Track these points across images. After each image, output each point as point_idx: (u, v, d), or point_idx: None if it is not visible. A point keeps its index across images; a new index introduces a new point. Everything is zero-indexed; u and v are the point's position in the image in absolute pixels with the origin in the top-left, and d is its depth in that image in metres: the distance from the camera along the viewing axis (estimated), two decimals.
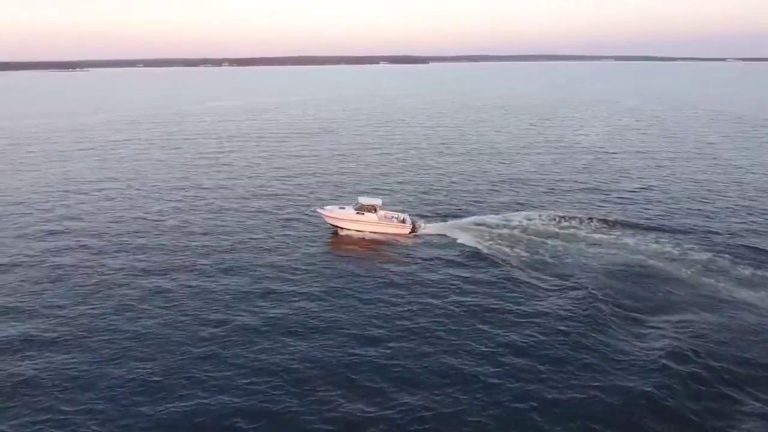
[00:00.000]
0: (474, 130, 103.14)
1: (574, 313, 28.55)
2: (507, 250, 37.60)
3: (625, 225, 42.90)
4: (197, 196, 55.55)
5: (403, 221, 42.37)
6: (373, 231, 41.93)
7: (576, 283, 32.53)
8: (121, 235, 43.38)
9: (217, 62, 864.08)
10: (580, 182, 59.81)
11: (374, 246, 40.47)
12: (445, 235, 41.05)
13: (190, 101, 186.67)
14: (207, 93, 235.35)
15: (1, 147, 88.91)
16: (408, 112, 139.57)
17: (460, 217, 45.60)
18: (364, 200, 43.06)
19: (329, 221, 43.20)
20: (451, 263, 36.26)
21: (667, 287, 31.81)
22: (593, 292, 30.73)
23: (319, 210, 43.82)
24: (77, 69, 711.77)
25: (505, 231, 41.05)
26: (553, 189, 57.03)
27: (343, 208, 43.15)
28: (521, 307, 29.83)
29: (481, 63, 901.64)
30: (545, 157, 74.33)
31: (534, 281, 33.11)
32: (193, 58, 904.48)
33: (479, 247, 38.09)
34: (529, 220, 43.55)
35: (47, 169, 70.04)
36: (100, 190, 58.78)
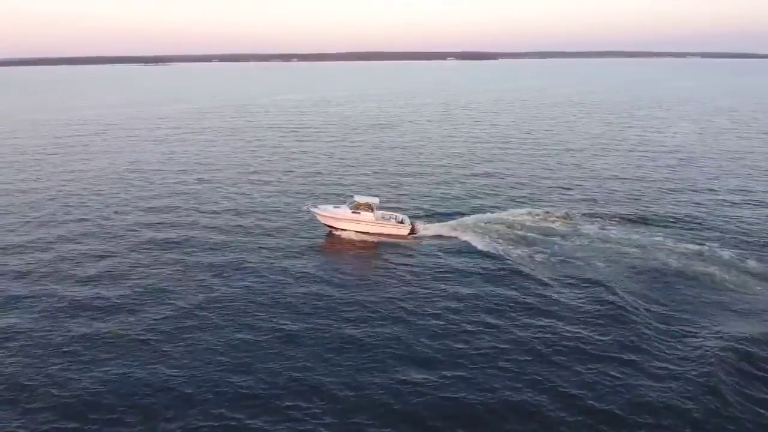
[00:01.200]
0: (545, 128, 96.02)
1: (601, 319, 26.60)
2: (519, 251, 35.25)
3: (649, 222, 41.21)
4: (253, 185, 55.40)
5: (402, 222, 40.00)
6: (370, 232, 39.57)
7: (603, 285, 30.19)
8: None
9: (287, 57, 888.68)
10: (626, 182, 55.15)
11: (370, 248, 38.17)
12: (453, 237, 38.39)
13: (259, 94, 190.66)
14: (276, 86, 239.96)
15: (91, 132, 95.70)
16: (475, 109, 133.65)
17: (467, 215, 43.19)
18: (360, 199, 40.49)
19: (323, 221, 40.72)
20: (455, 269, 33.37)
21: (703, 289, 29.85)
22: (620, 294, 28.87)
23: (312, 209, 41.11)
24: (160, 63, 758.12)
25: (516, 231, 38.86)
26: (611, 191, 52.13)
27: (338, 207, 40.75)
28: (543, 312, 27.71)
29: (553, 59, 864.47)
30: (625, 160, 67.09)
31: (555, 284, 30.72)
32: (264, 54, 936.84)
33: (487, 248, 35.82)
34: (538, 216, 41.77)
35: (126, 154, 73.15)
36: (162, 176, 60.40)
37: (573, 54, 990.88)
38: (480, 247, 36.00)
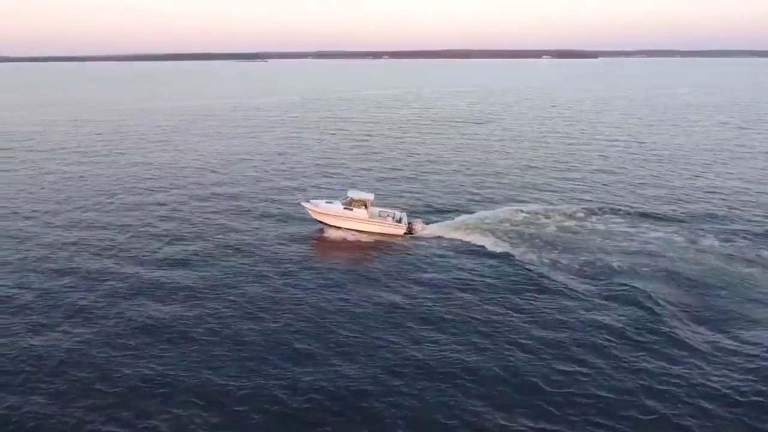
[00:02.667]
0: (663, 133, 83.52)
1: (633, 327, 24.38)
2: (533, 255, 32.55)
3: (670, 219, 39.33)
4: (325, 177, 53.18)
5: (399, 220, 37.40)
6: (363, 230, 37.13)
7: (627, 287, 28.09)
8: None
9: (378, 55, 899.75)
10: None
11: (359, 249, 35.48)
12: (455, 239, 35.58)
13: (347, 89, 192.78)
14: (365, 82, 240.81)
15: (188, 121, 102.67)
16: (570, 108, 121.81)
17: (481, 214, 40.27)
18: (354, 194, 38.16)
19: (314, 217, 38.35)
20: (458, 274, 30.59)
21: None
22: (648, 298, 26.85)
23: (303, 203, 39.03)
24: (258, 60, 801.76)
25: (530, 229, 36.71)
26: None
27: (331, 203, 38.34)
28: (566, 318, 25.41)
29: (662, 58, 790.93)
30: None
31: (575, 287, 28.54)
32: (356, 51, 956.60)
33: (496, 249, 33.36)
34: (551, 214, 39.67)
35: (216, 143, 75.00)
36: (250, 164, 61.48)
37: (689, 53, 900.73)
38: (491, 247, 33.59)
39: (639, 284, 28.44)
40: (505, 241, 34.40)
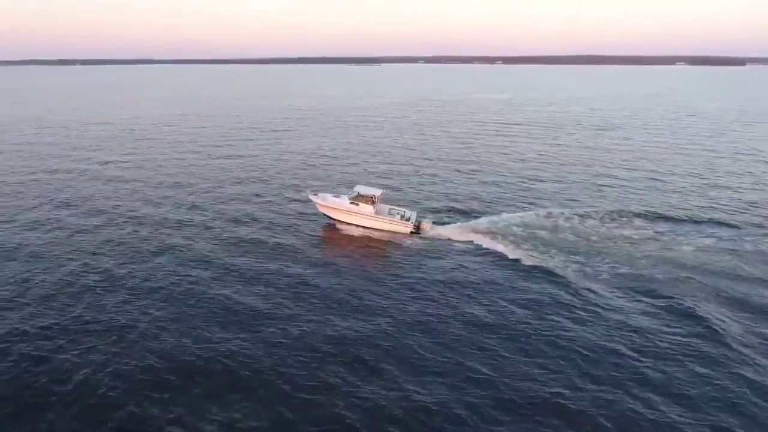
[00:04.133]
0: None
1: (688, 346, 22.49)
2: (552, 260, 31.18)
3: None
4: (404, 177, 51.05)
5: (408, 219, 36.44)
6: (368, 226, 36.50)
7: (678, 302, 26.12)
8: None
9: (490, 60, 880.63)
10: None
11: (362, 244, 34.86)
12: (470, 241, 34.24)
13: (457, 92, 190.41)
14: (475, 86, 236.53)
15: (299, 118, 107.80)
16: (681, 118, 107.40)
17: (495, 216, 39.03)
18: (361, 189, 37.46)
19: (322, 210, 38.08)
20: (450, 274, 29.87)
21: None
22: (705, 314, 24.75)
23: (311, 196, 38.51)
24: (371, 63, 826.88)
25: (543, 233, 35.37)
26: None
27: (338, 197, 37.90)
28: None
29: None
30: None
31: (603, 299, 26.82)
32: (468, 56, 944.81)
33: (507, 253, 32.06)
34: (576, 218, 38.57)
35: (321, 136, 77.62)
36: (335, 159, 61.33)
37: None
38: (501, 250, 32.37)
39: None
40: (529, 249, 32.64)
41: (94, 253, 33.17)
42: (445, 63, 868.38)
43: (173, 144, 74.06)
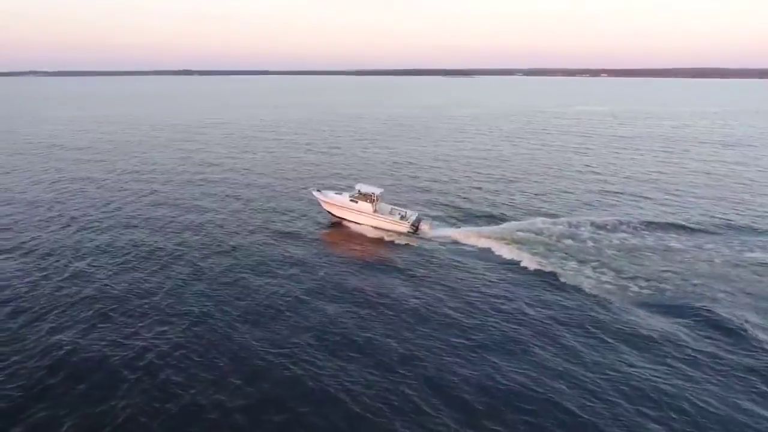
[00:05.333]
0: None
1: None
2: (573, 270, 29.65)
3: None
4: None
5: (406, 218, 36.75)
6: (367, 224, 37.06)
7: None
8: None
9: (595, 72, 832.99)
10: None
11: (360, 240, 35.56)
12: (468, 243, 34.25)
13: (555, 105, 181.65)
14: (573, 98, 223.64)
15: (392, 125, 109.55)
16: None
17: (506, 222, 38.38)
18: (362, 188, 37.95)
19: (324, 207, 39.08)
20: (436, 273, 29.91)
21: None
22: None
23: (314, 192, 39.64)
24: (464, 76, 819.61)
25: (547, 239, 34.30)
26: None
27: (340, 194, 38.60)
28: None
29: None
30: None
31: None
32: (571, 68, 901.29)
33: (515, 257, 31.38)
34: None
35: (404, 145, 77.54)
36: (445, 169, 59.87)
37: None
38: (508, 255, 31.86)
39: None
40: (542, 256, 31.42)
41: (186, 245, 34.54)
42: (544, 75, 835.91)
43: (259, 148, 77.31)
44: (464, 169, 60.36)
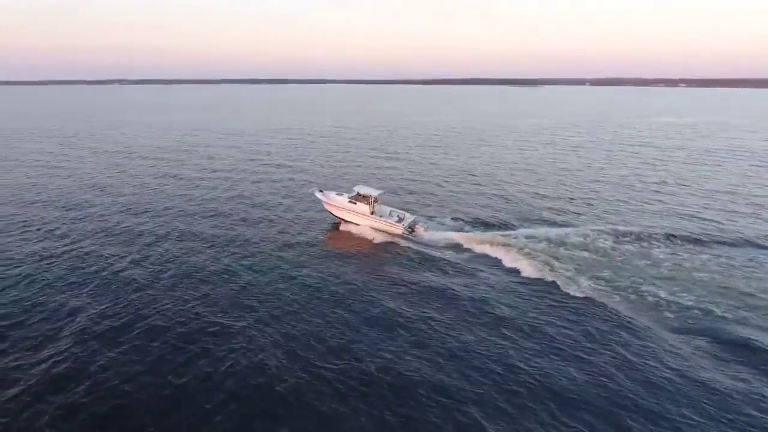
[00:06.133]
0: None
1: None
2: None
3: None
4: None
5: (402, 220, 37.85)
6: (364, 224, 38.14)
7: None
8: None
9: (672, 83, 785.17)
10: None
11: (358, 241, 36.58)
12: (459, 245, 34.65)
13: (629, 115, 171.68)
14: (648, 109, 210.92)
15: (453, 134, 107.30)
16: None
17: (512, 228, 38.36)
18: (360, 189, 39.17)
19: (325, 207, 40.42)
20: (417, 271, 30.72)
21: None
22: None
23: (316, 193, 40.93)
24: (530, 85, 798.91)
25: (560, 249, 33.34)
26: None
27: (341, 195, 39.87)
28: None
29: None
30: None
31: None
32: (646, 78, 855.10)
33: (509, 262, 31.41)
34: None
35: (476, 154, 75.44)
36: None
37: None
38: (503, 257, 32.21)
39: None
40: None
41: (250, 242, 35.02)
42: (616, 85, 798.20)
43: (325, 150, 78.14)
44: (519, 179, 58.25)
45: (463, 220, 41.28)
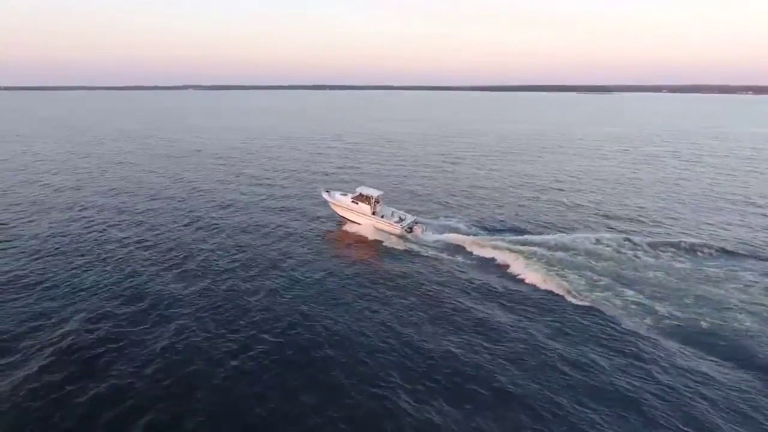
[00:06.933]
0: None
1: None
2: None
3: None
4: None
5: (402, 221, 38.32)
6: (365, 224, 38.94)
7: None
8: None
9: (762, 90, 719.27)
10: None
11: (357, 239, 37.25)
12: (459, 247, 34.84)
13: (710, 125, 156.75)
14: (735, 119, 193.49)
15: (519, 142, 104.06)
16: None
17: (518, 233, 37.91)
18: (362, 190, 39.89)
19: (332, 207, 41.42)
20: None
21: None
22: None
23: (323, 193, 42.19)
24: (603, 92, 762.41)
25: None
26: None
27: (345, 195, 40.90)
28: None
29: None
30: None
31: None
32: (730, 85, 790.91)
33: (506, 263, 31.57)
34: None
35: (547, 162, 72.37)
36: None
37: None
38: (501, 259, 32.14)
39: None
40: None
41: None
42: (696, 93, 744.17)
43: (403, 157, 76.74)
44: (586, 189, 53.78)
45: (482, 225, 40.36)
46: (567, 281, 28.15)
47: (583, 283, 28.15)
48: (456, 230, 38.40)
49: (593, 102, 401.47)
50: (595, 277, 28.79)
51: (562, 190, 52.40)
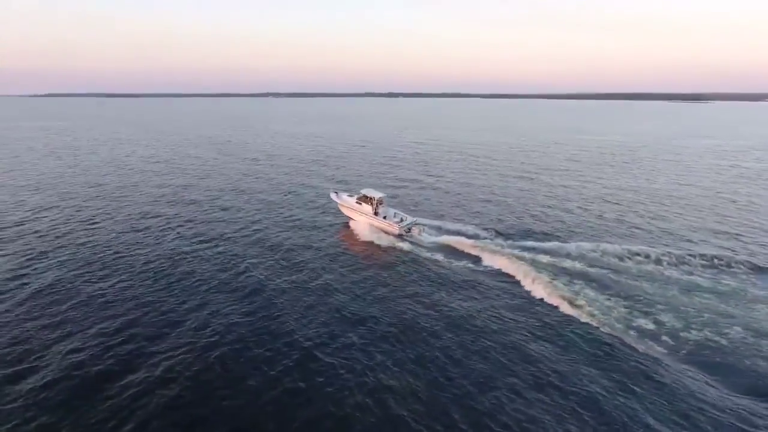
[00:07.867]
0: None
1: None
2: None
3: None
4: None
5: (402, 222, 40.30)
6: (367, 223, 41.17)
7: None
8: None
9: None
10: None
11: (356, 238, 39.68)
12: (455, 250, 36.34)
13: None
14: None
15: (598, 154, 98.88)
16: None
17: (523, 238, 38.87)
18: (366, 191, 42.57)
19: (339, 207, 44.21)
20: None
21: None
22: None
23: (332, 194, 44.85)
24: (697, 101, 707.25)
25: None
26: None
27: (351, 196, 43.36)
28: None
29: None
30: None
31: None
32: None
33: (506, 269, 32.31)
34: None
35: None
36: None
37: None
38: (497, 266, 33.05)
39: None
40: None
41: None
42: None
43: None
44: (674, 208, 50.78)
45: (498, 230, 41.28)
46: (584, 299, 27.83)
47: (594, 299, 28.24)
48: (458, 233, 39.58)
49: (692, 111, 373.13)
50: (610, 301, 28.21)
51: (643, 203, 49.76)
